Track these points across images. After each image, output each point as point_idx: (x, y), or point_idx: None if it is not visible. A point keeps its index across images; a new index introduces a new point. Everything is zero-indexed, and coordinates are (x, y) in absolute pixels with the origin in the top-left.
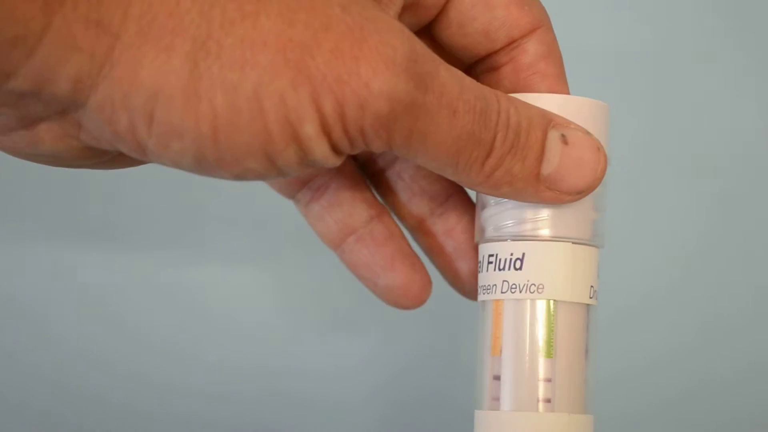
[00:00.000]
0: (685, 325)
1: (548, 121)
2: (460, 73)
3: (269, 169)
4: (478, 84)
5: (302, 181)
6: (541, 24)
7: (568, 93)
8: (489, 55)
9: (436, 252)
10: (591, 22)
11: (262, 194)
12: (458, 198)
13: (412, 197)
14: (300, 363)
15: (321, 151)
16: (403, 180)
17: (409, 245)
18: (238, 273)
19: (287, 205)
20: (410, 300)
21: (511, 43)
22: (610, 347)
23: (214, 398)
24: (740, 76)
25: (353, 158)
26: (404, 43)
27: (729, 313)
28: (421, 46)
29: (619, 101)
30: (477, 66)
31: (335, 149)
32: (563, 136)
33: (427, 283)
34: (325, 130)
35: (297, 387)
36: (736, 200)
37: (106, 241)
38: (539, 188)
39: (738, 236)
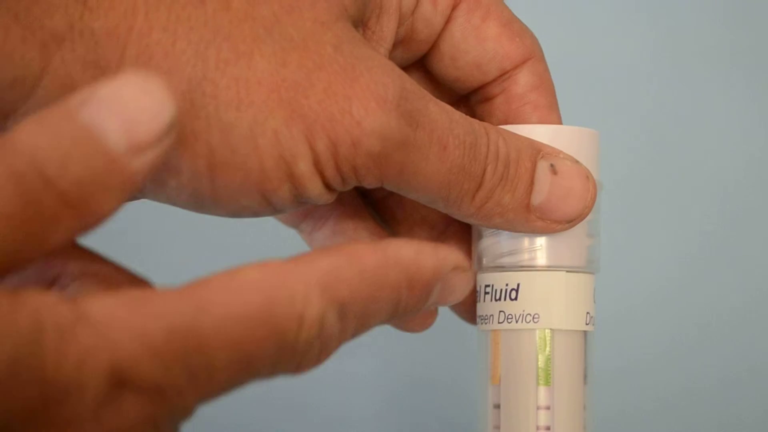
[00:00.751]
0: (682, 328)
1: (537, 151)
2: (449, 107)
3: (264, 207)
4: (467, 117)
5: (305, 211)
6: (533, 55)
7: (560, 122)
8: (481, 87)
9: None
10: (586, 39)
11: None
12: (458, 226)
13: (413, 226)
14: (299, 381)
15: (314, 188)
16: (404, 209)
17: None
18: None
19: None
20: (416, 324)
21: (503, 75)
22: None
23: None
24: (738, 88)
25: (354, 188)
26: (395, 80)
27: (725, 316)
28: (410, 83)
29: (618, 112)
30: (470, 97)
31: (328, 186)
32: (552, 166)
33: (433, 308)
34: (318, 168)
35: (298, 402)
36: (735, 209)
37: (105, 241)
38: (530, 218)
39: (737, 243)
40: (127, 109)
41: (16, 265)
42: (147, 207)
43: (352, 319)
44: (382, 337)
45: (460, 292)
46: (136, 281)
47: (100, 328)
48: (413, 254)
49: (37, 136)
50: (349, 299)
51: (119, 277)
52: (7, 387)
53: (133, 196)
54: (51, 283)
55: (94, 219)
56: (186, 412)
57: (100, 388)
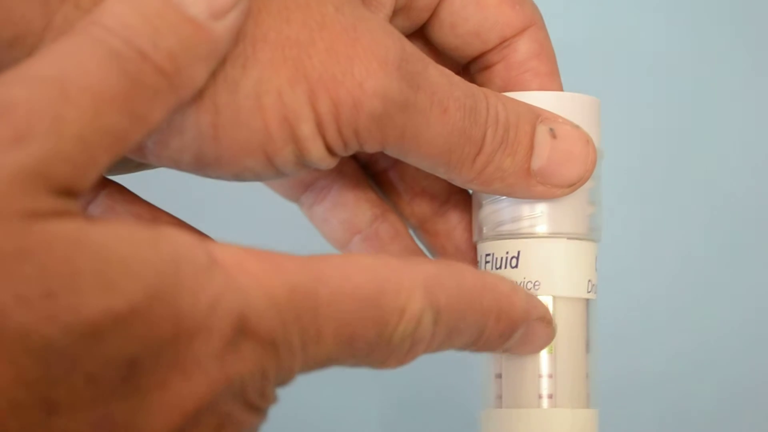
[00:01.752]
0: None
1: (536, 115)
2: (448, 71)
3: (267, 169)
4: (467, 82)
5: (305, 184)
6: (533, 22)
7: (561, 90)
8: (482, 55)
9: (439, 251)
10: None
11: (264, 199)
12: (459, 197)
13: (414, 197)
14: None
15: (317, 151)
16: (405, 180)
17: (414, 242)
18: None
19: (290, 209)
20: None
21: (503, 42)
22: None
23: None
24: (754, 77)
25: (355, 159)
26: (395, 42)
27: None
28: (410, 46)
29: (628, 102)
30: (471, 65)
31: (330, 150)
32: (551, 130)
33: None
34: (321, 131)
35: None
36: (740, 202)
37: None
38: (530, 183)
39: (743, 238)
40: None
41: (126, 147)
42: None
43: (443, 328)
44: None
45: (539, 344)
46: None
47: (231, 275)
48: (509, 289)
49: (125, 16)
50: (446, 308)
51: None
52: (144, 317)
53: (137, 164)
54: None
55: (188, 90)
56: (289, 375)
57: (225, 331)
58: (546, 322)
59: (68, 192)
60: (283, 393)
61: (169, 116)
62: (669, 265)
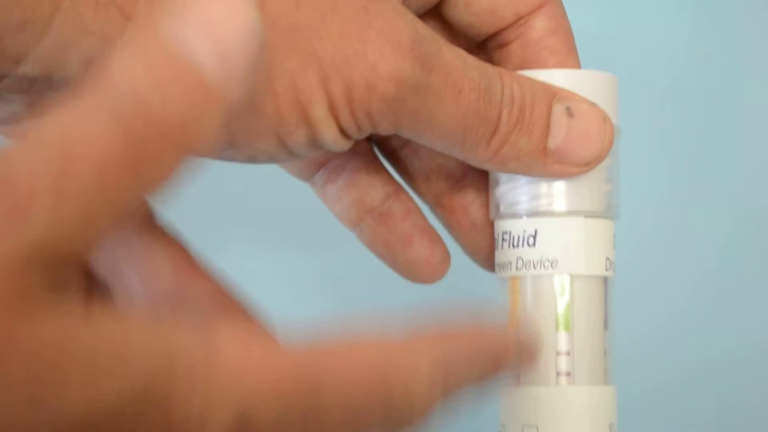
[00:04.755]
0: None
1: (552, 94)
2: (462, 51)
3: (280, 151)
4: (481, 62)
5: (318, 163)
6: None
7: (579, 67)
8: (497, 33)
9: (455, 227)
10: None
11: (267, 186)
12: (475, 174)
13: (429, 174)
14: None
15: (330, 133)
16: (420, 157)
17: (426, 220)
18: (244, 266)
19: (291, 198)
20: (429, 274)
21: (519, 20)
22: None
23: None
24: None
25: (368, 138)
26: (408, 24)
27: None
28: (423, 27)
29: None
30: (486, 43)
31: (343, 132)
32: (568, 108)
33: (446, 257)
34: (334, 113)
35: None
36: (711, 184)
37: None
38: (547, 162)
39: (709, 223)
40: (215, 33)
41: (128, 210)
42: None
43: (450, 397)
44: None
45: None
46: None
47: (231, 370)
48: (504, 340)
49: (135, 74)
50: (455, 387)
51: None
52: (132, 415)
53: None
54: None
55: (195, 151)
56: None
57: (222, 430)
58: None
59: (67, 262)
60: None
61: (175, 174)
62: (690, 269)
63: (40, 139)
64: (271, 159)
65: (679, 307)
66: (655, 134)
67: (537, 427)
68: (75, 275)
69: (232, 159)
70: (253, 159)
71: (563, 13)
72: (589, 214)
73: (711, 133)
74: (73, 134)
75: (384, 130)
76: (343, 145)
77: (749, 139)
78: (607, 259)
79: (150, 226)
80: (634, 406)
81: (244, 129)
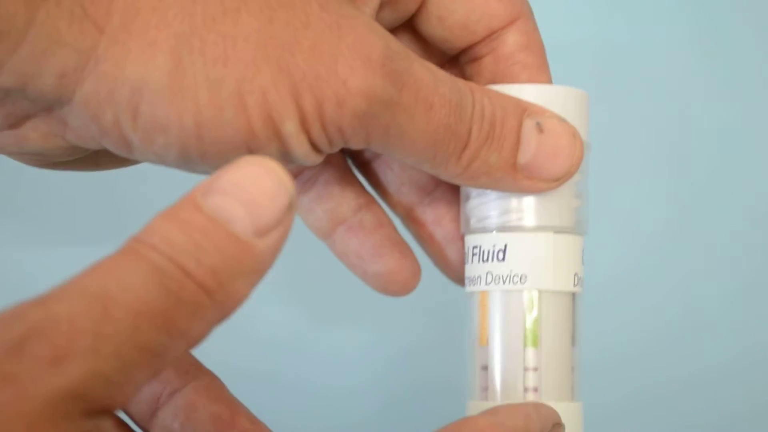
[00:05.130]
0: (664, 313)
1: (523, 110)
2: (434, 67)
3: None
4: (452, 77)
5: (291, 174)
6: (521, 15)
7: (550, 82)
8: (470, 47)
9: (426, 240)
10: (576, 13)
11: None
12: (447, 187)
13: (401, 186)
14: (294, 355)
15: (301, 148)
16: (392, 170)
17: (397, 233)
18: None
19: None
20: (399, 286)
21: (492, 34)
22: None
23: None
24: (719, 66)
25: (341, 149)
26: (380, 40)
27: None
28: (395, 43)
29: (601, 90)
30: (459, 57)
31: (315, 147)
32: (538, 124)
33: (416, 269)
34: (305, 128)
35: (293, 378)
36: (709, 190)
37: (112, 241)
38: (517, 177)
39: (711, 226)
40: (248, 194)
41: (166, 363)
42: (156, 205)
43: None
44: (371, 311)
45: None
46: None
47: None
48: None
49: (170, 232)
50: None
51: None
52: None
53: (123, 159)
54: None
55: (231, 306)
56: None
57: None
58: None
59: (103, 411)
60: (276, 383)
61: (211, 331)
62: (690, 272)
63: (81, 288)
64: None
65: (679, 310)
66: (653, 139)
67: None
68: (109, 424)
69: (204, 172)
70: None
71: (535, 28)
72: (558, 230)
73: (711, 136)
74: (112, 285)
75: (355, 144)
76: (315, 159)
77: (752, 140)
78: (576, 275)
79: (190, 376)
80: (635, 407)
81: (215, 142)
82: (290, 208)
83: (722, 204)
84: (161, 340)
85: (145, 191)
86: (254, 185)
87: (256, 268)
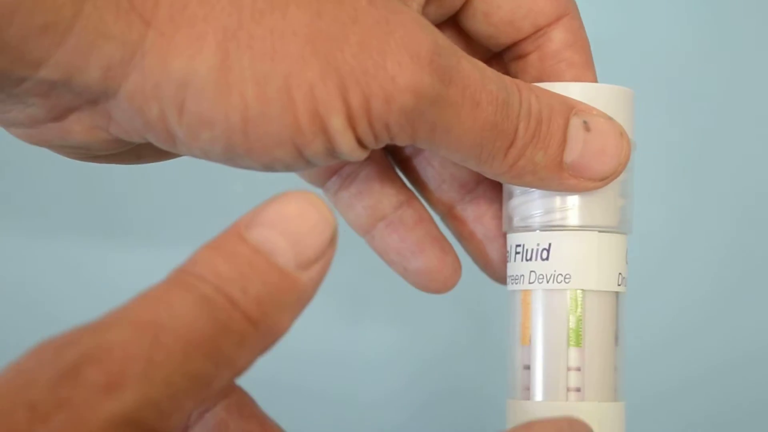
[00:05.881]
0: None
1: (570, 108)
2: (481, 64)
3: (297, 160)
4: (499, 74)
5: (332, 170)
6: (568, 12)
7: (595, 81)
8: (515, 44)
9: (466, 238)
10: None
11: (268, 187)
12: (488, 184)
13: (442, 184)
14: (328, 354)
15: (347, 144)
16: (433, 167)
17: (438, 229)
18: None
19: None
20: (440, 283)
21: (537, 32)
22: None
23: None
24: None
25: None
26: (428, 36)
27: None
28: (443, 39)
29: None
30: (504, 54)
31: (360, 143)
32: (585, 122)
33: (457, 266)
34: (352, 124)
35: (324, 378)
36: (709, 190)
37: (118, 237)
38: (563, 176)
39: (711, 226)
40: (292, 227)
41: (212, 392)
42: (165, 202)
43: None
44: (396, 318)
45: None
46: None
47: None
48: None
49: (216, 263)
50: None
51: None
52: None
53: (167, 153)
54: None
55: (274, 336)
56: None
57: None
58: None
59: None
60: (307, 382)
61: (255, 361)
62: (693, 272)
63: (133, 316)
64: (287, 168)
65: (681, 310)
66: (657, 137)
67: None
68: None
69: (249, 167)
70: (269, 168)
71: (581, 25)
72: (602, 229)
73: (715, 136)
74: (162, 313)
75: (401, 141)
76: (359, 155)
77: (754, 141)
78: (620, 274)
79: (220, 395)
80: (635, 407)
81: (261, 138)
82: (332, 242)
83: (722, 204)
84: (209, 368)
85: (144, 189)
86: (298, 219)
87: (299, 301)
